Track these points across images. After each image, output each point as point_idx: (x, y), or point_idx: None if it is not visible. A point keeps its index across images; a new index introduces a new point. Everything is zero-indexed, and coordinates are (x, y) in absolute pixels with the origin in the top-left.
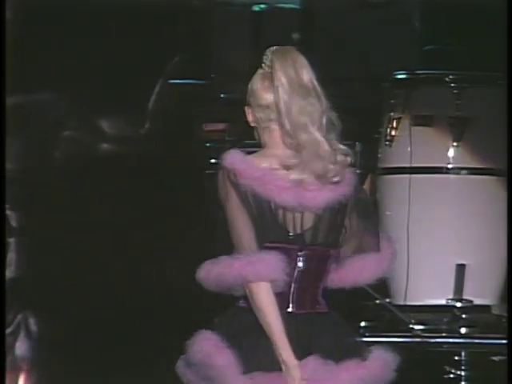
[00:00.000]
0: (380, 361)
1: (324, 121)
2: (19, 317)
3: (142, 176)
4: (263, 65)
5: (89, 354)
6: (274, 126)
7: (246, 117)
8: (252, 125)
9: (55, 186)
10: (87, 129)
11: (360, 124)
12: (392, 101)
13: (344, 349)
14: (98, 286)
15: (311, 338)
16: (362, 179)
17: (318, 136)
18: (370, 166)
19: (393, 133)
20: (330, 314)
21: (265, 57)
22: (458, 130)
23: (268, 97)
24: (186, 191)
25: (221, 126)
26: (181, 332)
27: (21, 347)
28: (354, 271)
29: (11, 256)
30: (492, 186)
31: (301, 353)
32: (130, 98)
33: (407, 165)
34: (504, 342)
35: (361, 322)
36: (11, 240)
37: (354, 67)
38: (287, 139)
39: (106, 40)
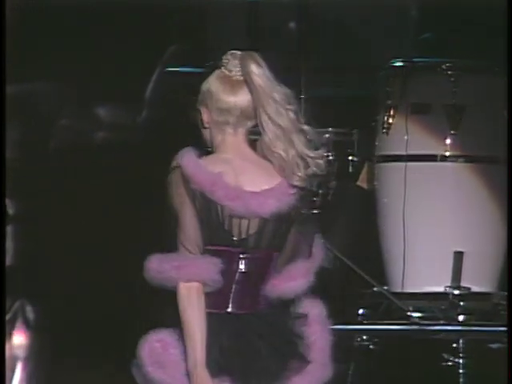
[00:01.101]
0: (317, 363)
1: (296, 127)
2: (16, 304)
3: (140, 164)
4: (223, 68)
5: (86, 343)
6: (230, 130)
7: (202, 117)
8: (205, 126)
9: (52, 174)
10: (84, 117)
11: (357, 112)
12: (389, 89)
13: (276, 350)
14: (96, 274)
15: (245, 337)
16: (359, 167)
17: (296, 141)
18: (366, 153)
19: (390, 121)
20: (269, 315)
21: (225, 60)
22: (455, 118)
23: (231, 100)
24: None
25: None
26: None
27: (18, 335)
28: (286, 279)
29: (9, 244)
30: (489, 174)
31: (232, 352)
32: (127, 86)
33: (404, 152)
34: (502, 329)
35: (358, 309)
36: (8, 228)
37: (350, 55)
38: (263, 146)
39: (104, 28)
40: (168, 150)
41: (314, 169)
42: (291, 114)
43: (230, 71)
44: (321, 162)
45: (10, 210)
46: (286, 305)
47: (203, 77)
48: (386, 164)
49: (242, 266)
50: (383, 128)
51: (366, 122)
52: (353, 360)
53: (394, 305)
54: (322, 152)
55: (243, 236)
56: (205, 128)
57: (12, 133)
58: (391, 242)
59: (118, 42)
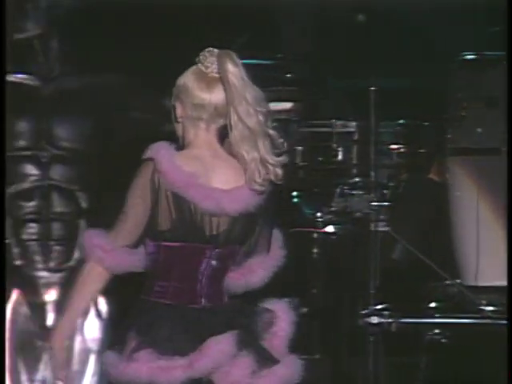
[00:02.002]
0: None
1: (263, 130)
2: None
3: None
4: (200, 64)
5: None
6: (203, 126)
7: (176, 111)
8: (178, 120)
9: (122, 166)
10: (152, 110)
11: (430, 104)
12: (460, 81)
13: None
14: None
15: (216, 329)
16: (431, 160)
17: (260, 144)
18: (438, 146)
19: (462, 113)
20: (231, 307)
21: (202, 57)
22: None
23: (205, 97)
24: None
25: (286, 106)
26: None
27: (91, 328)
28: (246, 272)
29: (81, 237)
30: None
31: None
32: None
33: (476, 146)
34: None
35: (430, 302)
36: (81, 221)
37: (422, 47)
38: (229, 145)
39: (170, 20)
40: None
41: (272, 177)
42: (260, 117)
43: (207, 68)
44: (279, 171)
45: (84, 204)
46: (246, 298)
47: (272, 68)
48: (458, 157)
49: (213, 262)
50: (455, 121)
51: (438, 114)
52: (424, 354)
53: (466, 298)
54: (283, 159)
55: (214, 232)
56: (177, 122)
57: (83, 127)
58: (464, 235)
59: (186, 33)
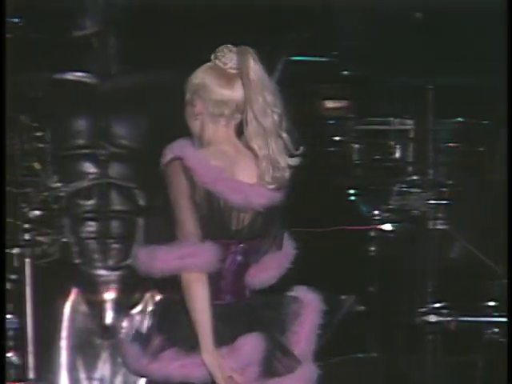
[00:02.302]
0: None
1: (276, 131)
2: (147, 295)
3: None
4: (217, 61)
5: None
6: (223, 123)
7: (195, 108)
8: (196, 118)
9: None
10: None
11: (488, 103)
12: None
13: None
14: None
15: (242, 325)
16: (488, 158)
17: (272, 143)
18: (496, 145)
19: None
20: (253, 302)
21: (221, 53)
22: None
23: (227, 93)
24: (309, 168)
25: (343, 104)
26: None
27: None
28: (262, 269)
29: (139, 235)
30: None
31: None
32: None
33: None
34: None
35: (489, 301)
36: (139, 219)
37: (481, 46)
38: (247, 139)
39: (226, 17)
40: (293, 138)
41: (278, 178)
42: (275, 117)
43: (225, 64)
44: (287, 174)
45: (142, 202)
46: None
47: (328, 65)
48: None
49: (238, 257)
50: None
51: (496, 112)
52: (482, 353)
53: None
54: (294, 161)
55: (239, 227)
56: (196, 120)
57: (141, 124)
58: None
59: (238, 33)
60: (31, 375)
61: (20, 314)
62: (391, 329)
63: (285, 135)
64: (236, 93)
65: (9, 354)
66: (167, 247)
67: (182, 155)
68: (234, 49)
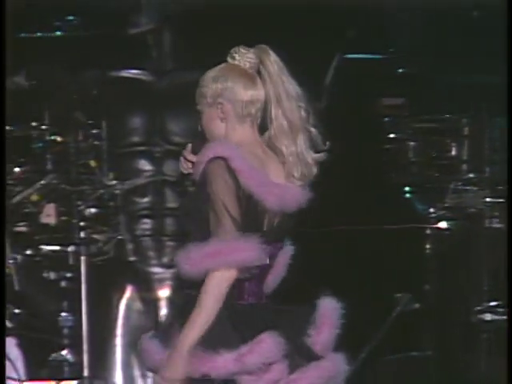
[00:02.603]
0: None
1: (304, 126)
2: None
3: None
4: (236, 62)
5: None
6: (249, 123)
7: (221, 111)
8: (222, 121)
9: None
10: None
11: None
12: None
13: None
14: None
15: (262, 325)
16: None
17: (300, 140)
18: None
19: None
20: (272, 306)
21: (239, 54)
22: None
23: (253, 93)
24: (365, 164)
25: (399, 101)
26: None
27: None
28: (272, 271)
29: None
30: None
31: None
32: (306, 72)
33: None
34: None
35: None
36: None
37: None
38: (268, 140)
39: (281, 17)
40: (348, 136)
41: (306, 174)
42: (303, 112)
43: (245, 64)
44: (315, 169)
45: None
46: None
47: (384, 63)
48: None
49: (267, 259)
50: None
51: None
52: None
53: None
54: (321, 157)
55: (268, 228)
56: (221, 122)
57: (196, 121)
58: None
59: (297, 28)
60: (86, 373)
61: (75, 312)
62: (446, 327)
63: (313, 130)
64: (260, 92)
65: (64, 352)
66: (199, 246)
67: (227, 155)
68: (251, 49)
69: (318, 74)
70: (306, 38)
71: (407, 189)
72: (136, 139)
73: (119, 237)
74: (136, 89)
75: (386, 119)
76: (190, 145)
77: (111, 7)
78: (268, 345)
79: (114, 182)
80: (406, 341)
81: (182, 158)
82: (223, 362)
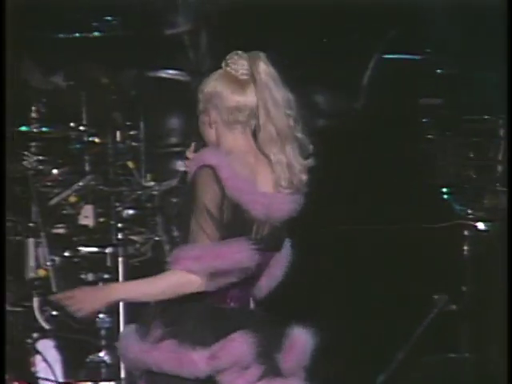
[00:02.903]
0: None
1: (292, 134)
2: None
3: (357, 151)
4: (229, 68)
5: None
6: (240, 129)
7: (209, 117)
8: (211, 127)
9: None
10: (303, 105)
11: None
12: None
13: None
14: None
15: (240, 328)
16: None
17: (288, 148)
18: None
19: None
20: (254, 315)
21: (231, 60)
22: None
23: (241, 99)
24: (403, 166)
25: (437, 102)
26: None
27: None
28: (267, 275)
29: None
30: None
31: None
32: (344, 73)
33: None
34: None
35: None
36: None
37: None
38: (260, 145)
39: (319, 18)
40: (385, 136)
41: (295, 182)
42: (290, 120)
43: (237, 70)
44: (304, 176)
45: None
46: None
47: (422, 63)
48: None
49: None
50: None
51: None
52: None
53: None
54: (309, 163)
55: (258, 237)
56: (210, 128)
57: None
58: None
59: (335, 29)
60: (123, 374)
61: (112, 313)
62: (483, 329)
63: (300, 136)
64: (249, 98)
65: (101, 354)
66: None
67: (215, 164)
68: (245, 55)
69: (356, 75)
70: (345, 38)
71: (445, 189)
72: (173, 140)
73: (156, 238)
74: (173, 89)
75: (424, 120)
76: (193, 144)
77: (148, 8)
78: (239, 344)
79: (152, 183)
80: (443, 342)
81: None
82: (197, 358)
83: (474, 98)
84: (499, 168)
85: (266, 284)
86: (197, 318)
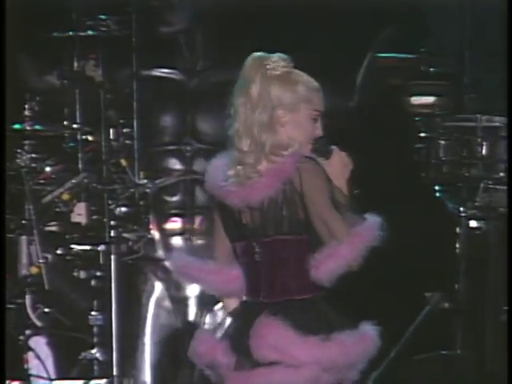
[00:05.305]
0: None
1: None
2: None
3: (350, 150)
4: (272, 70)
5: None
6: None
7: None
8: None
9: None
10: None
11: None
12: None
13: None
14: None
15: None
16: None
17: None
18: None
19: None
20: (308, 301)
21: (279, 63)
22: None
23: (287, 96)
24: (396, 164)
25: (430, 100)
26: None
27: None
28: (314, 266)
29: None
30: None
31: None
32: (338, 71)
33: None
34: None
35: None
36: None
37: None
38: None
39: (312, 17)
40: (379, 135)
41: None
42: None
43: (277, 71)
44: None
45: None
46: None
47: (415, 62)
48: None
49: (256, 256)
50: None
51: None
52: None
53: None
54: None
55: (254, 226)
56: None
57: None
58: None
59: (330, 28)
60: (116, 371)
61: (105, 310)
62: (477, 326)
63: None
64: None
65: (93, 351)
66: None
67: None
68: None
69: (350, 73)
70: (338, 37)
71: (438, 188)
72: (167, 138)
73: (149, 236)
74: (168, 88)
75: (418, 118)
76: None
77: (143, 6)
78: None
79: (145, 181)
80: (437, 340)
81: None
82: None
83: (469, 97)
84: (496, 166)
85: (324, 270)
86: (239, 317)
